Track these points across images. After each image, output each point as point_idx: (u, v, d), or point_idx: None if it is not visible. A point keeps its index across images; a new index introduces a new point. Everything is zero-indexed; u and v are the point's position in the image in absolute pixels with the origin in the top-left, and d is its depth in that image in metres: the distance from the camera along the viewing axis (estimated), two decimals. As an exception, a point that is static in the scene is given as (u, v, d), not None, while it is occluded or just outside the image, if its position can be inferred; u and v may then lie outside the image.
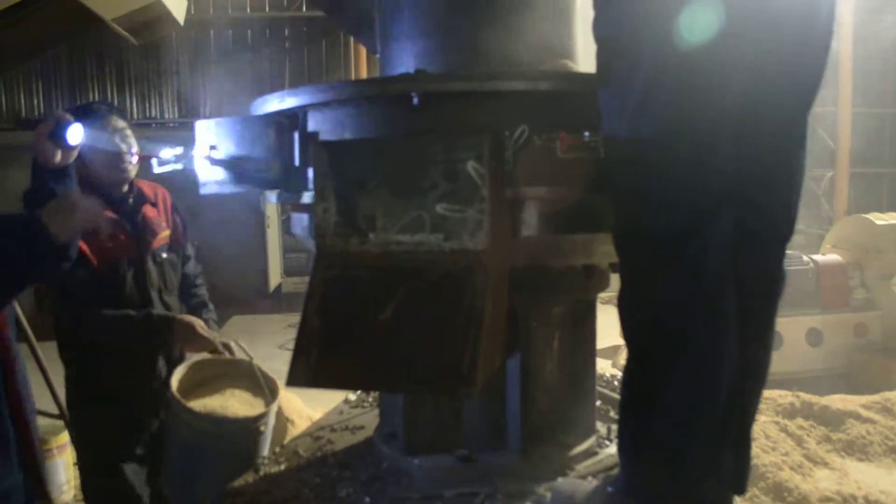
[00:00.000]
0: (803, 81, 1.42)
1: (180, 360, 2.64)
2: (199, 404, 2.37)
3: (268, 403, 2.47)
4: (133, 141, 2.59)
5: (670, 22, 1.22)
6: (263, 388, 2.52)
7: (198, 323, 2.54)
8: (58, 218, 1.84)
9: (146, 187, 2.73)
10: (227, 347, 2.64)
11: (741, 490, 1.49)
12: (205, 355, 2.57)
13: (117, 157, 2.53)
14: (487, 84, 1.46)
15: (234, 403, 2.43)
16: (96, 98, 11.83)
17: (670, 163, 1.27)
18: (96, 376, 2.57)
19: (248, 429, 2.37)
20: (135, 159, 2.56)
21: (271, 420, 2.45)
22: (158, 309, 2.64)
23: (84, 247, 2.42)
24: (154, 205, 2.73)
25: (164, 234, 2.75)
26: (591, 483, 1.59)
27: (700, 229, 1.27)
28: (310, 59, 12.04)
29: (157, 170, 1.90)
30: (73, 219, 1.89)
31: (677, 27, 1.21)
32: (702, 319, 1.29)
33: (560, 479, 1.66)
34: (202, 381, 2.49)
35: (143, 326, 2.49)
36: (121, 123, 2.57)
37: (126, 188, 2.63)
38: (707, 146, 1.27)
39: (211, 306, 2.97)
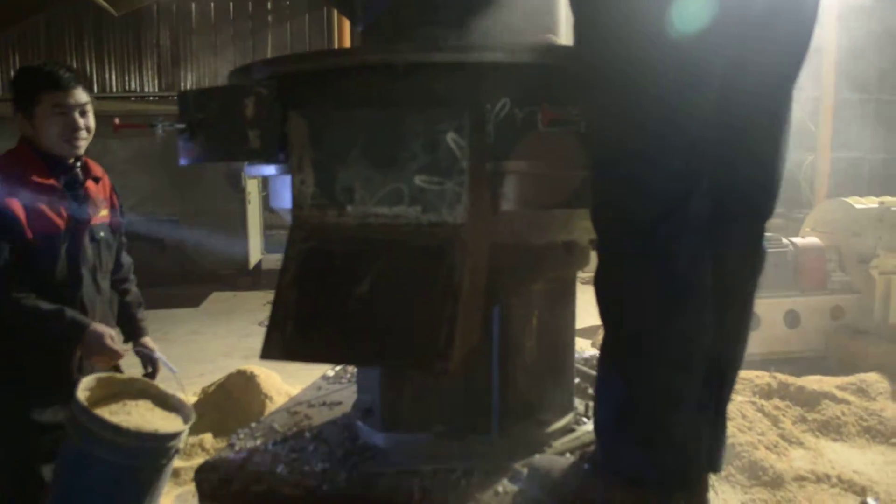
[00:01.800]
0: (788, 63, 1.41)
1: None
2: (109, 418, 2.16)
3: (185, 420, 2.31)
4: (92, 116, 2.47)
5: (650, 9, 1.20)
6: (174, 407, 2.36)
7: (108, 334, 2.36)
8: None
9: (92, 164, 2.58)
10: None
11: (717, 468, 1.49)
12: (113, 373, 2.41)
13: (72, 133, 2.40)
14: (469, 55, 1.43)
15: (149, 419, 2.25)
16: (74, 70, 11.62)
17: (643, 143, 1.26)
18: (12, 366, 2.40)
19: (165, 447, 2.20)
20: (84, 135, 2.44)
21: (181, 444, 2.29)
22: (89, 289, 2.49)
23: (20, 215, 2.29)
24: (97, 181, 2.58)
25: (104, 212, 2.59)
26: (568, 459, 1.60)
27: (673, 210, 1.27)
28: (292, 33, 11.91)
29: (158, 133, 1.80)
30: None
31: (657, 16, 1.20)
32: (675, 299, 1.29)
33: (537, 456, 1.66)
34: (109, 396, 2.29)
35: (52, 322, 2.32)
36: (83, 97, 2.43)
37: (73, 159, 2.49)
38: (681, 126, 1.26)
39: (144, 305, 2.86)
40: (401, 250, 1.28)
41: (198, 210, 10.88)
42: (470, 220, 1.29)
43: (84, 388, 2.18)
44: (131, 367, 2.71)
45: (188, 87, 11.73)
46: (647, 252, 1.30)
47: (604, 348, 1.43)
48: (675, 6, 1.19)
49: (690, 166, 1.28)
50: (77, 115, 2.41)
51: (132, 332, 2.79)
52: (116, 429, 2.09)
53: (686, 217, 1.28)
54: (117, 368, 2.58)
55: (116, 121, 1.86)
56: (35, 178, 2.37)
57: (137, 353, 2.75)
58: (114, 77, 11.73)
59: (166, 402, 2.36)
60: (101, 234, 2.56)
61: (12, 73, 11.61)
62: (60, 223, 2.39)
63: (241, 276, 10.87)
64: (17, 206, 2.30)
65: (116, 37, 11.67)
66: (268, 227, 11.10)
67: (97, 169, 2.61)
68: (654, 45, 1.22)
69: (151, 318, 2.91)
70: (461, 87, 1.42)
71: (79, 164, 2.51)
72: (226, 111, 1.60)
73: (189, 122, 1.66)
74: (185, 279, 10.82)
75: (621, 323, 1.36)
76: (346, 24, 8.31)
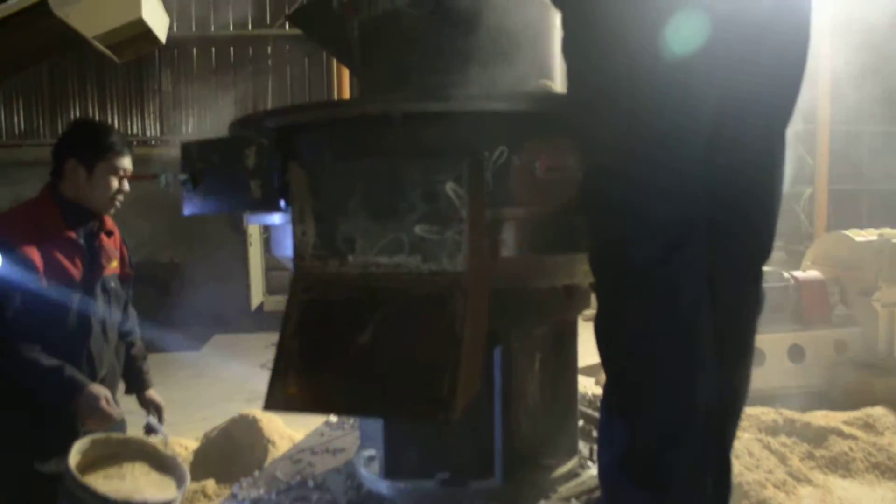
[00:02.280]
0: (781, 95, 1.42)
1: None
2: (102, 484, 2.14)
3: (179, 485, 2.26)
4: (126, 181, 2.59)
5: (643, 37, 1.22)
6: (169, 469, 2.33)
7: (104, 396, 2.36)
8: None
9: (107, 218, 2.67)
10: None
11: (724, 511, 1.48)
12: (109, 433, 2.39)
13: (119, 194, 2.54)
14: (467, 104, 1.46)
15: (142, 485, 2.22)
16: (77, 115, 11.76)
17: (641, 182, 1.27)
18: (15, 417, 2.41)
19: None
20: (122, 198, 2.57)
21: None
22: (97, 339, 2.52)
23: (38, 264, 2.34)
24: (110, 235, 2.66)
25: (115, 264, 2.68)
26: (574, 506, 1.58)
27: (674, 251, 1.26)
28: (292, 77, 12.06)
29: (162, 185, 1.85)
30: None
31: (650, 42, 1.22)
32: (676, 344, 1.29)
33: (542, 502, 1.65)
34: (105, 458, 2.27)
35: (51, 379, 2.33)
36: (128, 163, 2.57)
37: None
38: (679, 164, 1.27)
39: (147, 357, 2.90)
40: (402, 299, 1.29)
41: (200, 252, 10.90)
42: (470, 268, 1.30)
43: (77, 452, 2.17)
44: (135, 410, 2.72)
45: (189, 130, 11.86)
46: (648, 293, 1.29)
47: (606, 392, 1.42)
48: (667, 34, 1.21)
49: (689, 204, 1.29)
50: (125, 180, 2.56)
51: (137, 384, 2.82)
52: (105, 500, 2.06)
53: (687, 255, 1.28)
54: (122, 426, 2.57)
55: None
56: (55, 230, 2.44)
57: (143, 405, 2.78)
58: (116, 121, 11.85)
59: (163, 463, 2.33)
60: (112, 284, 2.63)
61: (16, 118, 11.78)
62: (76, 274, 2.45)
63: (243, 318, 10.85)
64: (35, 255, 2.35)
65: (119, 82, 11.83)
66: (269, 268, 11.11)
67: (111, 223, 2.68)
68: (645, 74, 1.23)
69: (154, 362, 2.93)
70: (459, 136, 1.44)
71: (97, 218, 2.58)
72: (227, 162, 1.62)
73: (192, 173, 1.68)
74: (188, 321, 10.79)
75: (623, 367, 1.36)
76: (346, 69, 8.43)
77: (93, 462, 2.21)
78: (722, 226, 1.38)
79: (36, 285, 2.34)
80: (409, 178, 1.33)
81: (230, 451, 4.66)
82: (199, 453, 4.75)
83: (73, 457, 2.13)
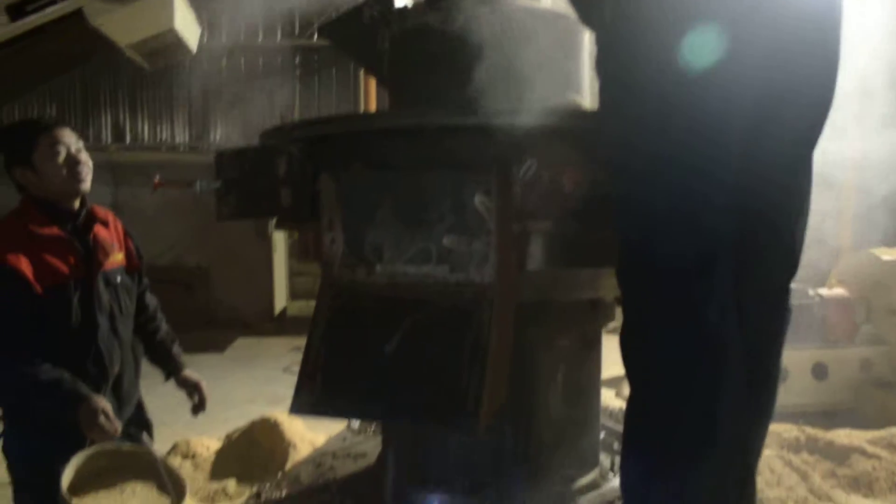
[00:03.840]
0: (809, 111, 1.42)
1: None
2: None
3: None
4: (87, 156, 2.46)
5: (673, 54, 1.24)
6: (168, 486, 2.20)
7: (101, 410, 2.27)
8: None
9: (98, 209, 2.57)
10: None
11: (745, 526, 1.47)
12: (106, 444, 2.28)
13: (74, 165, 2.41)
14: (496, 118, 1.48)
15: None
16: (108, 121, 11.96)
17: (673, 199, 1.28)
18: (33, 420, 2.38)
19: None
20: (87, 169, 2.44)
21: None
22: (105, 336, 2.45)
23: (27, 272, 2.27)
24: (106, 225, 2.55)
25: (118, 256, 2.57)
26: (594, 517, 1.59)
27: (707, 269, 1.27)
28: (320, 87, 12.15)
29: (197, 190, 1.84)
30: None
31: (680, 59, 1.23)
32: (706, 363, 1.29)
33: (563, 513, 1.66)
34: (100, 472, 2.19)
35: (49, 394, 2.28)
36: (74, 136, 2.45)
37: (78, 204, 2.48)
38: (710, 182, 1.28)
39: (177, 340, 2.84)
40: (429, 309, 1.31)
41: (225, 257, 11.01)
42: (497, 280, 1.32)
43: (73, 467, 2.10)
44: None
45: (217, 138, 11.98)
46: (674, 308, 1.30)
47: (631, 408, 1.43)
48: (692, 49, 1.22)
49: (718, 223, 1.29)
50: (74, 150, 2.43)
51: (171, 367, 2.79)
52: None
53: (714, 273, 1.29)
54: (147, 435, 2.56)
55: (157, 178, 1.90)
56: (38, 230, 2.36)
57: (181, 386, 2.77)
58: (146, 129, 12.03)
59: (168, 478, 2.20)
60: (118, 278, 2.55)
61: (49, 123, 11.97)
62: (70, 272, 2.38)
63: (266, 323, 10.94)
64: (23, 262, 2.28)
65: (149, 90, 11.99)
66: (293, 273, 11.19)
67: (104, 213, 2.60)
68: (676, 91, 1.24)
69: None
70: (489, 150, 1.46)
71: (84, 210, 2.50)
72: (259, 170, 1.65)
73: (225, 181, 1.72)
74: (211, 325, 10.89)
75: (651, 386, 1.36)
76: (373, 80, 8.49)
77: (97, 473, 2.15)
78: (750, 241, 1.38)
79: (30, 293, 2.28)
80: (439, 190, 1.36)
81: (251, 453, 4.71)
82: (220, 454, 4.80)
83: (66, 477, 2.07)
